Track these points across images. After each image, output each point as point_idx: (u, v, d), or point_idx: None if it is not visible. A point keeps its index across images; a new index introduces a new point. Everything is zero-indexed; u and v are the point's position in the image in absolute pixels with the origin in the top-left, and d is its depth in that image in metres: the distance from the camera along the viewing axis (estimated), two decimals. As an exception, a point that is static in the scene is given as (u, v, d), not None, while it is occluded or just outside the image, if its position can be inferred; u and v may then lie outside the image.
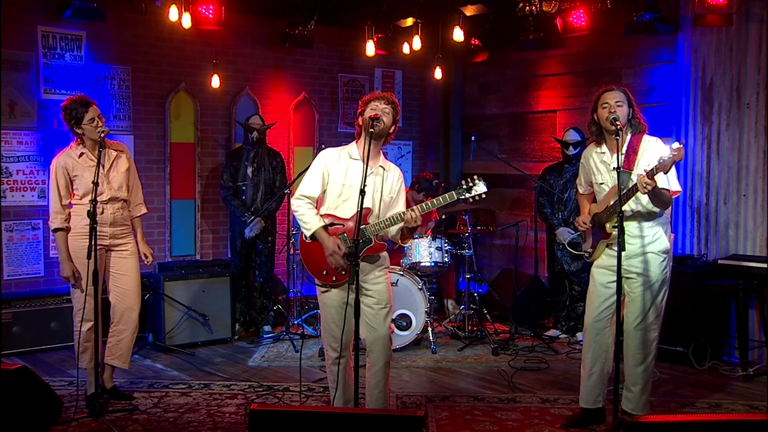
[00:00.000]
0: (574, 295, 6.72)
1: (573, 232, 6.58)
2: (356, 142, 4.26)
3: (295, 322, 6.84)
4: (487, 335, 6.61)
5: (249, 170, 6.74)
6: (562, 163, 6.76)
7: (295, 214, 4.15)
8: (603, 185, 4.48)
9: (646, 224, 4.33)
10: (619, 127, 4.17)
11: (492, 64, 8.40)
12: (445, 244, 6.68)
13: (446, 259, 6.68)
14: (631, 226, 4.30)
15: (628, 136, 4.38)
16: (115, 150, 4.96)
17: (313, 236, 4.08)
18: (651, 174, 3.98)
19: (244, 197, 6.75)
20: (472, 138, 6.64)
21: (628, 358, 4.42)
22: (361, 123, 4.19)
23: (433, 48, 7.83)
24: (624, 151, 4.34)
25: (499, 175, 8.05)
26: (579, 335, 6.69)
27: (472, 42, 7.91)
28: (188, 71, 7.24)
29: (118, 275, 4.95)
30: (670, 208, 4.52)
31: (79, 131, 4.79)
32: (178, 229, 7.26)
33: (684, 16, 6.40)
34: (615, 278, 4.17)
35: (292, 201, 4.18)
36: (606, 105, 4.32)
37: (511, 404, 5.00)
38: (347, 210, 4.12)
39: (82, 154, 4.82)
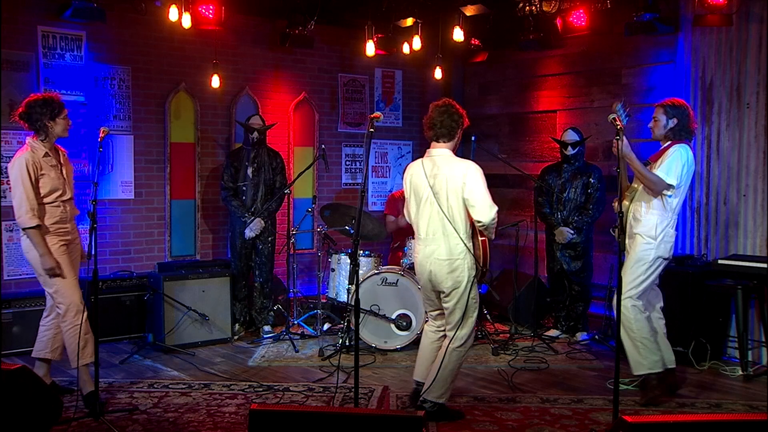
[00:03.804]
0: (573, 295, 6.73)
1: (572, 232, 6.58)
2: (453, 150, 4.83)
3: (295, 322, 6.85)
4: (487, 335, 6.61)
5: (249, 171, 6.74)
6: (561, 163, 6.76)
7: (493, 223, 4.50)
8: None
9: (644, 210, 4.98)
10: (618, 127, 4.42)
11: (492, 64, 8.40)
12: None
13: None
14: (633, 208, 5.02)
15: (668, 143, 5.02)
16: (62, 152, 5.07)
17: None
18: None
19: (244, 198, 6.75)
20: (472, 138, 6.63)
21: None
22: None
23: (433, 48, 7.82)
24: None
25: (499, 175, 8.05)
26: (579, 335, 6.70)
27: (472, 42, 7.91)
28: (188, 71, 7.24)
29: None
30: (675, 206, 4.98)
31: (49, 125, 4.83)
32: (178, 229, 7.26)
33: (684, 16, 6.41)
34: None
35: (494, 213, 4.47)
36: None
37: (511, 404, 5.01)
38: None
39: (46, 154, 4.85)
